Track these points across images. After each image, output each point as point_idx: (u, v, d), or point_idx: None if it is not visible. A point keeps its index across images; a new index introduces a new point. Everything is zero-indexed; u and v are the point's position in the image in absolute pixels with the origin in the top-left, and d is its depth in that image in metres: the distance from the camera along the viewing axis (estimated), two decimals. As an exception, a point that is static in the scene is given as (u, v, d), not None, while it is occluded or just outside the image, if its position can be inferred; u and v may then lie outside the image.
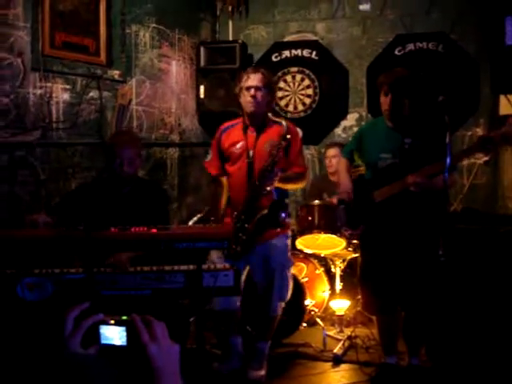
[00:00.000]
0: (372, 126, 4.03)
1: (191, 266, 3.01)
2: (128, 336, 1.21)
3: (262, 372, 3.98)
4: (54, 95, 4.28)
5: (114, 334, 1.22)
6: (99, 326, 1.23)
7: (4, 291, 2.91)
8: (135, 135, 3.81)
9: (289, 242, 4.01)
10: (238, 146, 3.84)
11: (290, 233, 4.03)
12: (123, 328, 1.21)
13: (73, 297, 2.88)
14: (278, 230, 3.79)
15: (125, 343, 1.21)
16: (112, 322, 1.22)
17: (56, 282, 2.90)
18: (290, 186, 4.01)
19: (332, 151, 5.36)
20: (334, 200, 4.35)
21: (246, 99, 3.80)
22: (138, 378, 1.18)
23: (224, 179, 3.99)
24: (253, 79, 3.80)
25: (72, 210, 3.41)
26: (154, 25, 5.32)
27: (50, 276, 2.91)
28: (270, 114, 3.86)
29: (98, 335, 1.23)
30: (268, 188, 3.63)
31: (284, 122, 3.71)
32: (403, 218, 3.70)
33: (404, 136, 3.69)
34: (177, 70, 5.67)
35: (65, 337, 1.19)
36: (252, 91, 3.77)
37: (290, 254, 4.04)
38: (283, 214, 3.73)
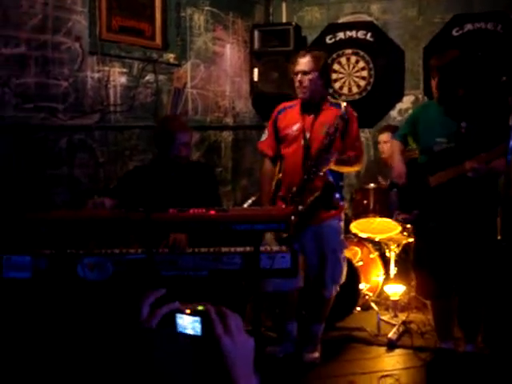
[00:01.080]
0: (425, 109, 3.95)
1: (248, 248, 3.03)
2: (203, 327, 1.19)
3: (316, 354, 4.00)
4: (111, 79, 4.35)
5: (188, 324, 1.20)
6: (175, 315, 1.21)
7: (65, 271, 2.98)
8: (184, 120, 3.85)
9: (342, 224, 3.98)
10: (295, 128, 3.80)
11: (342, 216, 4.00)
12: (198, 318, 1.19)
13: (133, 277, 2.93)
14: (332, 211, 3.77)
15: (199, 333, 1.19)
16: (187, 311, 1.20)
17: (116, 263, 2.95)
18: (345, 169, 3.96)
19: (383, 136, 5.29)
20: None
21: (295, 85, 3.79)
22: (212, 370, 1.17)
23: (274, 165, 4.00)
24: (300, 64, 3.76)
25: (127, 192, 3.46)
26: (208, 8, 5.34)
27: (110, 256, 2.97)
28: (328, 97, 3.84)
29: (174, 324, 1.21)
30: (323, 169, 3.61)
31: (343, 104, 3.67)
32: (459, 203, 3.64)
33: (459, 120, 3.62)
34: (231, 53, 5.67)
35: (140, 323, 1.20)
36: (299, 76, 3.74)
37: (342, 236, 4.01)
38: (337, 195, 3.75)
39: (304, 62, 3.74)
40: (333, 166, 3.69)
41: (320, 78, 3.78)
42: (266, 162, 4.03)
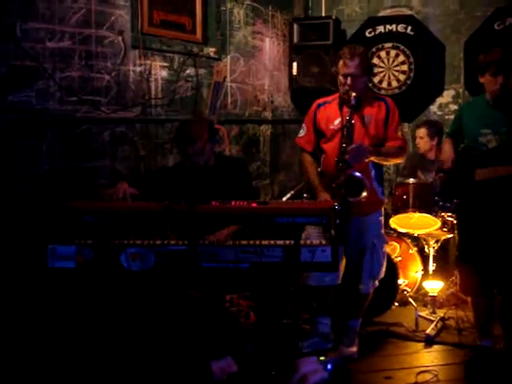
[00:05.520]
0: (470, 104, 3.98)
1: (288, 241, 3.03)
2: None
3: (354, 349, 3.99)
4: (152, 72, 4.40)
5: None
6: None
7: (109, 261, 3.02)
8: (199, 125, 3.70)
9: (382, 219, 3.96)
10: (336, 122, 3.77)
11: (383, 210, 3.99)
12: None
13: (174, 268, 2.96)
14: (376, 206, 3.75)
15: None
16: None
17: (158, 253, 2.99)
18: (387, 161, 3.93)
19: (420, 132, 5.28)
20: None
21: (343, 87, 3.71)
22: None
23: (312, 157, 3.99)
24: (349, 66, 3.66)
25: (153, 188, 3.48)
26: (247, 2, 5.36)
27: (152, 247, 3.01)
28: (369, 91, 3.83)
29: None
30: (355, 162, 3.56)
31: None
32: (504, 200, 3.61)
33: (508, 114, 3.59)
34: (270, 47, 5.68)
35: None
36: (349, 80, 3.65)
37: (383, 231, 3.99)
38: (379, 189, 3.83)
39: (353, 65, 3.65)
40: (374, 159, 3.69)
41: (366, 78, 3.78)
42: (305, 155, 3.99)
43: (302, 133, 3.99)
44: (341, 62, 3.72)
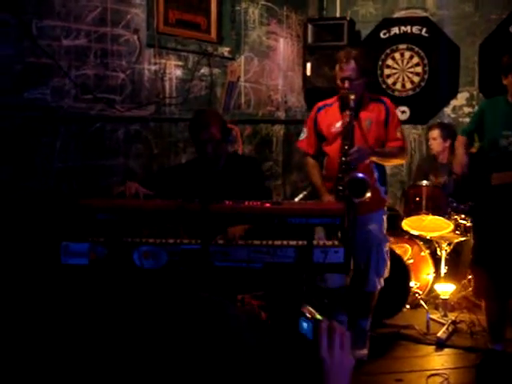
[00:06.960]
0: (493, 103, 3.92)
1: (300, 242, 3.03)
2: (314, 333, 1.29)
3: (365, 351, 3.99)
4: (167, 71, 4.40)
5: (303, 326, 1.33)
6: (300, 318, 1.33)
7: (122, 259, 3.03)
8: (213, 112, 3.76)
9: (385, 218, 3.99)
10: (337, 125, 3.81)
11: (386, 209, 4.02)
12: (311, 324, 1.30)
13: (187, 267, 2.97)
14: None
15: (311, 337, 1.30)
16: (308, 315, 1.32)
17: (171, 252, 2.99)
18: (388, 162, 4.00)
19: (433, 133, 5.27)
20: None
21: (339, 87, 3.77)
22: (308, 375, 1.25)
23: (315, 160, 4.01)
24: (345, 70, 3.70)
25: (165, 186, 3.47)
26: (262, 2, 5.35)
27: (165, 245, 3.01)
28: (367, 93, 3.84)
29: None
30: (356, 164, 3.58)
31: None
32: None
33: None
34: (284, 47, 5.68)
35: None
36: (346, 84, 3.70)
37: (385, 229, 4.01)
38: (382, 189, 3.89)
39: (349, 68, 3.69)
40: (375, 159, 3.75)
41: (365, 80, 3.80)
42: (308, 159, 4.04)
43: (302, 136, 4.04)
44: (337, 67, 3.77)
